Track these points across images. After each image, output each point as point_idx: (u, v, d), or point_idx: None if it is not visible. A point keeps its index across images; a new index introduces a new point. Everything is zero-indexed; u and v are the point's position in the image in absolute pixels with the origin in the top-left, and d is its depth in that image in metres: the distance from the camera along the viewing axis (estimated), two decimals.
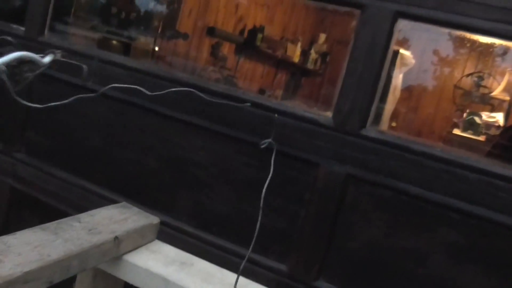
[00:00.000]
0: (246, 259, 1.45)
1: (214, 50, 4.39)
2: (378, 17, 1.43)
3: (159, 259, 1.60)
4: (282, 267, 1.58)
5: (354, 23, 1.53)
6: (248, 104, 1.57)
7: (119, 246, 1.51)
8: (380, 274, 1.48)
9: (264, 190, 1.46)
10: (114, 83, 1.77)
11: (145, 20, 3.59)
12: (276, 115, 1.53)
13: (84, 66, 1.42)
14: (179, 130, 1.73)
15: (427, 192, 1.40)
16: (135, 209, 1.73)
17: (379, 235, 1.46)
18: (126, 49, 3.26)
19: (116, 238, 1.48)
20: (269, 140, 1.51)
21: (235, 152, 1.65)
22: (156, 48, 3.55)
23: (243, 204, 1.64)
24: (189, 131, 1.72)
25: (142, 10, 3.53)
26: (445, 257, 1.40)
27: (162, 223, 1.73)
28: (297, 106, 1.61)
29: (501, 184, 1.32)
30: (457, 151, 1.42)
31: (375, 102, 1.47)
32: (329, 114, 1.55)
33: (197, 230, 1.70)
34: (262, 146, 1.50)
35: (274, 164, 1.58)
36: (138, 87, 1.48)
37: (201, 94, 1.53)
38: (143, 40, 3.53)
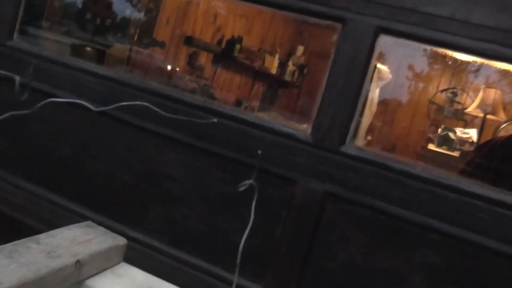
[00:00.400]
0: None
1: (191, 60, 4.34)
2: (359, 32, 1.40)
3: (125, 283, 1.51)
4: (257, 287, 1.52)
5: (332, 36, 1.51)
6: (214, 119, 1.51)
7: (81, 271, 1.41)
8: None
9: (242, 242, 1.36)
10: (84, 91, 1.71)
11: (121, 27, 3.52)
12: (259, 151, 1.44)
13: (17, 77, 1.32)
14: (152, 142, 1.67)
15: (406, 212, 1.37)
16: (101, 229, 1.63)
17: (356, 255, 1.42)
18: (101, 56, 3.18)
19: (77, 262, 1.38)
20: (249, 181, 1.37)
21: (210, 166, 1.59)
22: (133, 55, 3.48)
23: (218, 220, 1.58)
24: (163, 143, 1.66)
25: (119, 16, 3.46)
26: (424, 279, 1.36)
27: (132, 239, 1.65)
28: (275, 121, 1.57)
29: (480, 205, 1.30)
30: (437, 170, 1.40)
31: (355, 118, 1.43)
32: (307, 129, 1.51)
33: (169, 248, 1.63)
34: (241, 189, 1.38)
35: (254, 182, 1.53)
36: (81, 102, 1.38)
37: (157, 109, 1.44)
38: (119, 47, 3.46)
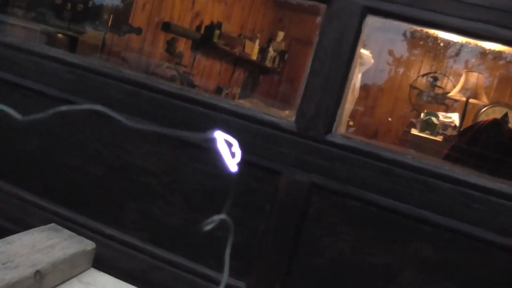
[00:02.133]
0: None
1: (170, 46, 4.21)
2: (345, 12, 1.31)
3: None
4: (241, 284, 1.44)
5: (313, 22, 1.42)
6: (214, 135, 1.39)
7: (41, 282, 1.26)
8: None
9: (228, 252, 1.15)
10: (52, 80, 1.60)
11: (94, 13, 3.36)
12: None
13: None
14: (127, 134, 1.56)
15: (397, 203, 1.29)
16: (66, 232, 1.50)
17: (346, 249, 1.35)
18: (73, 43, 3.04)
19: (37, 272, 1.23)
20: (219, 217, 1.08)
21: (189, 159, 1.50)
22: (107, 42, 3.34)
23: (199, 216, 1.49)
24: (138, 135, 1.55)
25: (91, 2, 3.31)
26: (417, 273, 1.29)
27: (108, 237, 1.55)
28: (257, 109, 1.47)
29: (475, 195, 1.23)
30: (430, 158, 1.32)
31: (341, 105, 1.35)
32: (290, 115, 1.43)
33: (147, 245, 1.54)
34: (207, 228, 1.11)
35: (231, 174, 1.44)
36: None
37: (111, 114, 1.26)
38: (92, 34, 3.31)
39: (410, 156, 1.29)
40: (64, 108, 1.00)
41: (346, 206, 1.34)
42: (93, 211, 1.60)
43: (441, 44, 5.31)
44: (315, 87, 1.35)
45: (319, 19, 1.44)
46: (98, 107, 0.98)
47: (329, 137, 1.34)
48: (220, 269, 1.47)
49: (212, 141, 1.43)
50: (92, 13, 3.23)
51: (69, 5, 2.92)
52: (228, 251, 0.80)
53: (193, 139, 1.45)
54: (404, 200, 1.28)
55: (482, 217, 1.23)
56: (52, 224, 1.54)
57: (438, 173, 1.26)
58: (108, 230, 1.56)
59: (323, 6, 1.35)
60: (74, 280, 1.39)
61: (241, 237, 1.45)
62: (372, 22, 1.32)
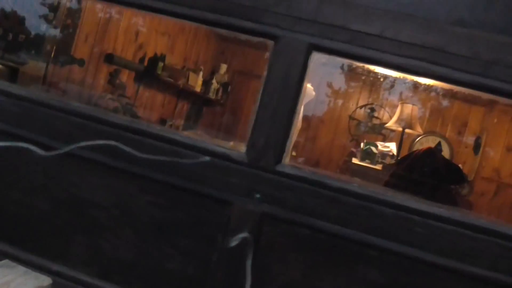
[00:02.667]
0: None
1: (112, 78, 4.17)
2: (292, 49, 1.38)
3: None
4: None
5: (254, 54, 1.48)
6: (206, 158, 1.42)
7: None
8: None
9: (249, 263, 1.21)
10: None
11: (36, 44, 3.30)
12: (257, 195, 1.37)
13: None
14: (72, 166, 1.54)
15: (344, 229, 1.35)
16: (21, 269, 1.46)
17: (297, 276, 1.39)
18: (14, 74, 2.96)
19: None
20: (244, 235, 1.15)
21: (139, 191, 1.50)
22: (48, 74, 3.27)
23: (149, 248, 1.48)
24: (86, 167, 1.54)
25: (33, 32, 3.24)
26: None
27: (55, 273, 1.51)
28: (209, 140, 1.50)
29: (417, 219, 1.31)
30: (374, 186, 1.40)
31: (290, 136, 1.41)
32: (235, 146, 1.47)
33: (96, 280, 1.51)
34: (233, 244, 1.28)
35: (182, 204, 1.46)
36: None
37: (128, 149, 1.24)
38: (34, 65, 3.24)
39: (355, 184, 1.36)
40: (83, 143, 0.99)
41: (296, 234, 1.39)
42: (38, 247, 1.55)
43: (378, 77, 5.58)
44: (264, 119, 1.40)
45: (260, 52, 1.51)
46: (113, 143, 0.98)
47: (279, 167, 1.39)
48: None
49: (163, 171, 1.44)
50: (34, 44, 3.17)
51: (10, 35, 2.86)
52: (249, 263, 0.81)
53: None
54: (351, 226, 1.34)
55: (424, 240, 1.30)
56: (5, 261, 1.49)
57: (382, 200, 1.33)
58: (55, 267, 1.52)
59: (270, 43, 1.41)
60: None
61: (193, 268, 1.45)
62: (317, 58, 1.40)
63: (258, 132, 1.40)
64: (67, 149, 1.10)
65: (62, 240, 1.55)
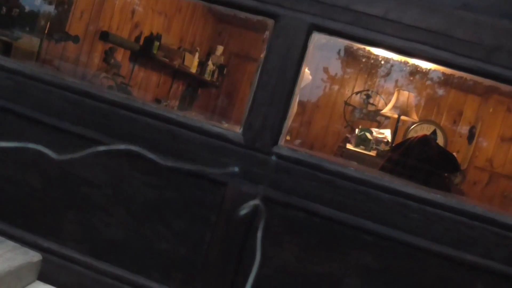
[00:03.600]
0: None
1: (108, 56, 4.11)
2: (292, 28, 1.35)
3: None
4: None
5: (252, 37, 1.45)
6: (235, 169, 1.37)
7: None
8: None
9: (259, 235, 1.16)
10: None
11: (30, 19, 3.23)
12: (273, 157, 1.34)
13: None
14: (65, 142, 1.51)
15: (340, 213, 1.34)
16: (10, 244, 1.43)
17: (291, 259, 1.38)
18: (7, 48, 2.90)
19: None
20: (256, 202, 1.04)
21: (132, 170, 1.47)
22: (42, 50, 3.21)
23: (142, 228, 1.47)
24: (79, 144, 1.51)
25: (27, 7, 3.18)
26: (358, 281, 1.34)
27: (46, 250, 1.49)
28: (203, 119, 1.48)
29: (412, 205, 1.30)
30: (370, 170, 1.38)
31: (287, 118, 1.39)
32: (231, 128, 1.45)
33: (88, 258, 1.49)
34: (243, 213, 1.21)
35: (176, 184, 1.44)
36: None
37: (147, 155, 1.20)
38: (28, 40, 3.17)
39: (352, 168, 1.35)
40: (102, 148, 0.93)
41: (291, 217, 1.37)
42: (30, 223, 1.53)
43: (374, 64, 5.55)
44: (262, 99, 1.38)
45: (258, 35, 1.48)
46: (134, 148, 0.92)
47: (275, 149, 1.37)
48: (164, 282, 1.45)
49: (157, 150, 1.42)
50: (28, 19, 3.10)
51: (4, 9, 2.80)
52: (260, 235, 0.75)
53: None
54: (346, 210, 1.33)
55: (419, 226, 1.30)
56: None
57: (378, 184, 1.32)
58: (46, 244, 1.50)
59: (270, 22, 1.38)
60: None
61: (186, 248, 1.44)
62: (318, 38, 1.38)
63: (255, 113, 1.38)
64: (82, 154, 1.07)
65: (54, 217, 1.53)
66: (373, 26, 1.31)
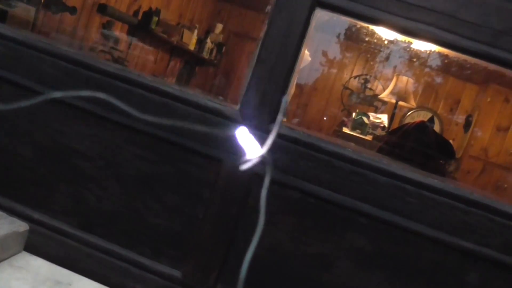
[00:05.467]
0: None
1: (105, 30, 4.04)
2: (295, 3, 1.31)
3: (26, 278, 1.28)
4: (176, 273, 1.41)
5: (252, 17, 1.41)
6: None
7: None
8: (284, 280, 1.38)
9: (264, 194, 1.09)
10: None
11: None
12: (285, 97, 1.29)
13: None
14: (60, 113, 1.48)
15: (336, 195, 1.32)
16: None
17: (284, 239, 1.36)
18: (2, 16, 2.84)
19: None
20: (261, 153, 0.90)
21: (126, 143, 1.44)
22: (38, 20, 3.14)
23: (134, 202, 1.44)
24: (73, 115, 1.48)
25: None
26: (351, 263, 1.33)
27: (36, 222, 1.47)
28: (200, 94, 1.45)
29: (409, 189, 1.28)
30: (369, 152, 1.36)
31: (286, 95, 1.36)
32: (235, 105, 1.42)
33: (78, 231, 1.47)
34: (244, 168, 1.09)
35: (170, 158, 1.41)
36: None
37: (115, 103, 1.18)
38: (24, 8, 3.10)
39: (350, 149, 1.32)
40: (58, 94, 0.85)
41: (286, 197, 1.35)
42: (20, 194, 1.50)
43: (374, 49, 5.50)
44: (261, 76, 1.34)
45: (257, 15, 1.44)
46: (101, 95, 0.84)
47: (273, 127, 1.34)
48: (155, 258, 1.44)
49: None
50: None
51: None
52: (264, 193, 0.66)
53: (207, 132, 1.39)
54: (342, 192, 1.31)
55: (415, 210, 1.28)
56: None
57: (376, 167, 1.30)
58: (36, 215, 1.47)
59: None
60: (5, 263, 1.30)
61: (178, 225, 1.42)
62: (320, 16, 1.34)
63: (254, 89, 1.35)
64: (32, 101, 1.02)
65: (44, 188, 1.50)
66: (377, 4, 1.28)
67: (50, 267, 1.38)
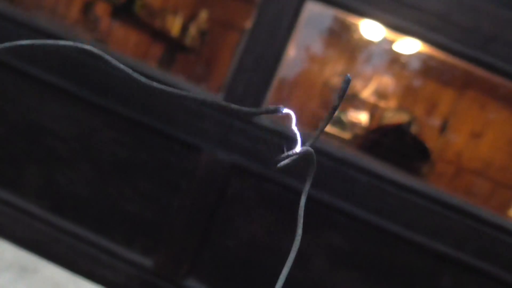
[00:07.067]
0: None
1: (87, 9, 3.93)
2: None
3: None
4: (148, 262, 1.38)
5: (237, 6, 1.38)
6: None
7: None
8: (256, 275, 1.35)
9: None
10: None
11: None
12: (348, 76, 1.23)
13: None
14: (35, 90, 1.42)
15: (315, 192, 1.30)
16: None
17: (259, 233, 1.34)
18: None
19: None
20: (307, 147, 0.85)
21: (103, 126, 1.40)
22: None
23: (108, 187, 1.40)
24: (48, 93, 1.42)
25: None
26: (327, 261, 1.32)
27: (3, 202, 1.41)
28: (182, 81, 1.41)
29: (389, 189, 1.27)
30: (350, 150, 1.34)
31: (271, 86, 1.33)
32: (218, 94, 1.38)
33: (48, 214, 1.42)
34: (280, 165, 1.02)
35: (148, 145, 1.37)
36: None
37: (102, 54, 1.18)
38: None
39: (333, 146, 1.30)
40: (25, 42, 0.77)
41: (264, 190, 1.33)
42: None
43: (356, 48, 5.51)
44: (246, 65, 1.31)
45: (244, 4, 1.40)
46: (88, 47, 0.79)
47: (256, 118, 1.31)
48: (127, 245, 1.40)
49: (132, 107, 1.34)
50: None
51: None
52: (304, 200, 0.57)
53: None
54: (322, 189, 1.30)
55: (393, 211, 1.27)
56: None
57: (357, 165, 1.28)
58: (4, 195, 1.42)
59: None
60: None
61: (152, 213, 1.38)
62: (310, 8, 1.31)
63: (238, 78, 1.32)
64: None
65: (14, 167, 1.45)
66: (371, 0, 1.26)
67: (15, 252, 1.33)
